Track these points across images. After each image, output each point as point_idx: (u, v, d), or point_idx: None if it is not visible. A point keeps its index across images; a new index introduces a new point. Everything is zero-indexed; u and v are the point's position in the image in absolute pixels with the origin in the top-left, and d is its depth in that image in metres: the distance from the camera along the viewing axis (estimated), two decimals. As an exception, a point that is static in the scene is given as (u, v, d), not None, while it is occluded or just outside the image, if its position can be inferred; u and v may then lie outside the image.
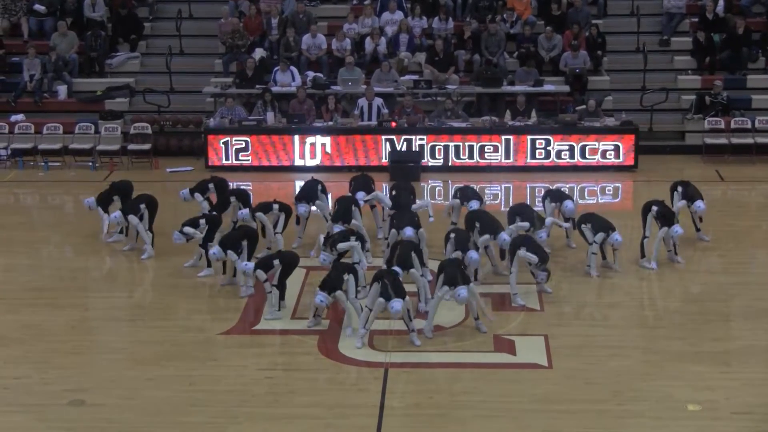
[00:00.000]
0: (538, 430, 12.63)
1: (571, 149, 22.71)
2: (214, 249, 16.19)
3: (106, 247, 18.59)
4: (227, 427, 12.74)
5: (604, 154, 22.54)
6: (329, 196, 19.20)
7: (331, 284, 14.72)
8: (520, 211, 17.47)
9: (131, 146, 23.79)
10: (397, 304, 14.15)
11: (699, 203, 17.60)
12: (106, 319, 16.30)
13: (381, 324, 14.96)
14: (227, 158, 22.84)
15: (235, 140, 23.18)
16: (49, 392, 13.59)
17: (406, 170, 21.60)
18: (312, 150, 22.92)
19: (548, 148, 22.87)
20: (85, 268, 18.14)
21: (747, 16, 25.48)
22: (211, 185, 18.78)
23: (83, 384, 13.81)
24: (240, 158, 23.02)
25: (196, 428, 12.73)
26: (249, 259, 16.38)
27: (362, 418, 12.85)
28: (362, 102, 23.91)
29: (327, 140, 22.94)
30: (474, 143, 23.16)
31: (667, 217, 17.07)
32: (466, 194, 18.08)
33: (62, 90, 25.16)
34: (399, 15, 25.84)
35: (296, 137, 22.97)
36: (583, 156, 22.55)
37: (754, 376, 13.97)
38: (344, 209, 17.54)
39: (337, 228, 16.87)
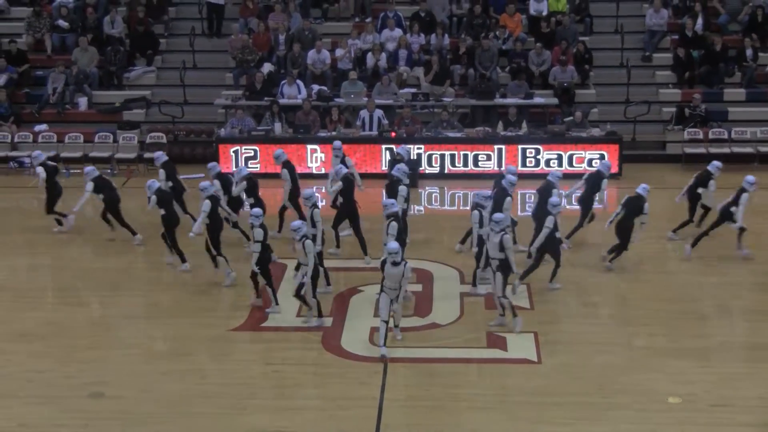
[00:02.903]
0: (528, 421, 12.67)
1: (560, 158, 22.73)
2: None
3: (123, 249, 18.57)
4: (236, 418, 12.77)
5: (590, 162, 22.51)
6: None
7: None
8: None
9: (147, 154, 23.75)
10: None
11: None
12: (123, 316, 16.31)
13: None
14: (237, 166, 22.80)
15: (245, 149, 23.20)
16: (71, 385, 13.64)
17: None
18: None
19: (538, 156, 22.88)
20: (104, 269, 18.12)
21: (724, 34, 25.54)
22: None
23: (102, 377, 13.87)
24: (249, 166, 22.96)
25: (208, 419, 12.78)
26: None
27: (363, 410, 12.89)
28: (364, 113, 23.91)
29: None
30: (468, 152, 23.18)
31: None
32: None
33: (83, 102, 25.22)
34: (398, 32, 25.88)
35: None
36: (570, 164, 22.55)
37: (732, 370, 14.04)
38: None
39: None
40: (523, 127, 23.70)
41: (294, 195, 18.53)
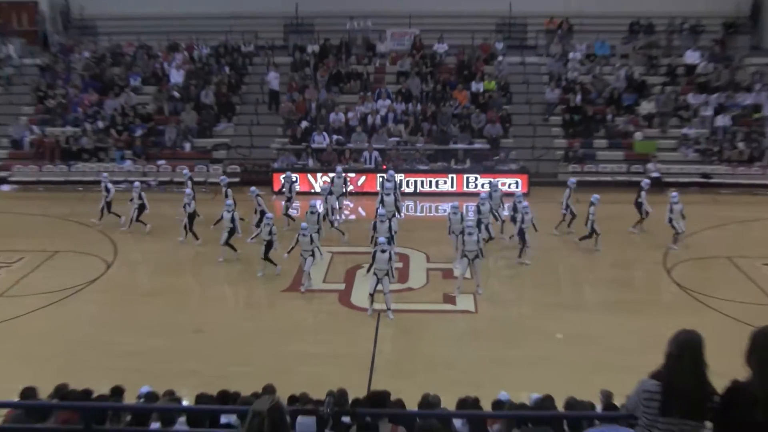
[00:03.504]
0: (468, 349, 12.86)
1: (491, 183, 22.71)
2: None
3: (213, 238, 17.94)
4: (284, 346, 12.93)
5: (509, 186, 22.64)
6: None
7: None
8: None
9: (229, 179, 23.79)
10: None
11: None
12: (211, 282, 16.39)
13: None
14: (284, 186, 22.87)
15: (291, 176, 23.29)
16: (180, 324, 13.77)
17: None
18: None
19: (476, 182, 23.00)
20: (199, 252, 17.88)
21: (594, 105, 25.65)
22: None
23: (200, 320, 13.99)
24: (292, 187, 23.08)
25: (267, 345, 12.94)
26: None
27: (365, 342, 13.08)
28: (366, 154, 24.01)
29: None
30: (432, 179, 23.31)
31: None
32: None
33: (187, 146, 25.23)
34: (388, 102, 25.95)
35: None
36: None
37: (596, 317, 14.20)
38: None
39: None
40: (467, 163, 23.84)
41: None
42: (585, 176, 23.68)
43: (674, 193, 17.89)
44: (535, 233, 17.16)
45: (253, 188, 18.80)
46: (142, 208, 18.99)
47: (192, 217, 18.05)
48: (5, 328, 13.57)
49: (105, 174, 20.38)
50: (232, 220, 16.84)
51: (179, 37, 28.64)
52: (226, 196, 18.55)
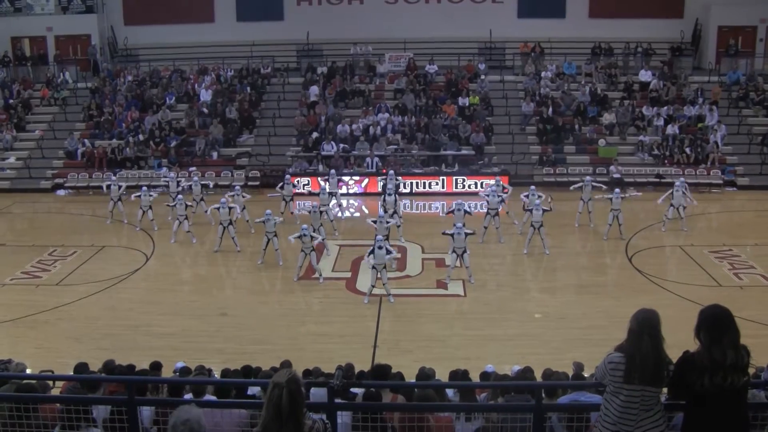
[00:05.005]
0: (458, 328, 12.80)
1: (476, 184, 22.76)
2: None
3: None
4: (299, 327, 12.88)
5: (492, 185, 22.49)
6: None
7: None
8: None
9: (250, 183, 23.80)
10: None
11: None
12: (237, 272, 16.32)
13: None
14: (298, 188, 22.79)
15: (303, 179, 23.23)
16: (208, 308, 13.72)
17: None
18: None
19: (464, 183, 22.92)
20: (223, 246, 17.71)
21: (563, 116, 25.57)
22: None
23: (225, 305, 13.93)
24: (305, 188, 23.01)
25: (284, 327, 12.88)
26: None
27: (369, 322, 13.04)
28: (368, 159, 23.94)
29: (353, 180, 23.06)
30: (426, 181, 23.24)
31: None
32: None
33: (215, 155, 25.18)
34: (386, 115, 25.86)
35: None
36: (482, 187, 22.48)
37: (568, 299, 14.14)
38: None
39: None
40: (455, 167, 23.74)
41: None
42: (558, 177, 23.67)
43: (682, 180, 18.22)
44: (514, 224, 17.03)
45: (236, 186, 19.15)
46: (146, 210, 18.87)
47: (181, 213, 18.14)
48: (62, 312, 13.57)
49: (113, 177, 20.68)
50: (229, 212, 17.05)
51: (208, 62, 28.59)
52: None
